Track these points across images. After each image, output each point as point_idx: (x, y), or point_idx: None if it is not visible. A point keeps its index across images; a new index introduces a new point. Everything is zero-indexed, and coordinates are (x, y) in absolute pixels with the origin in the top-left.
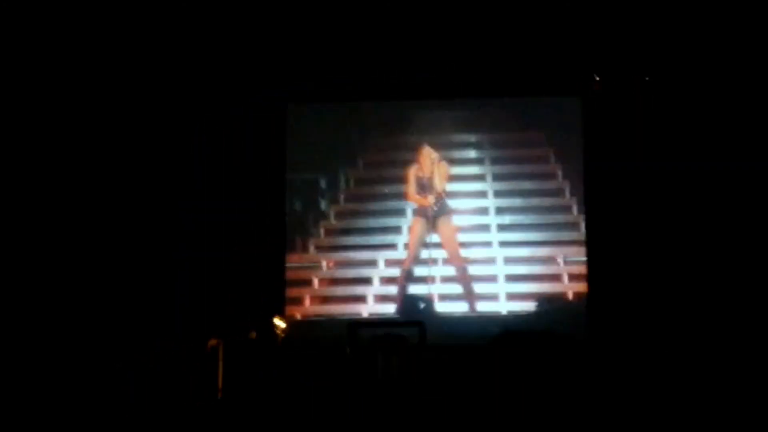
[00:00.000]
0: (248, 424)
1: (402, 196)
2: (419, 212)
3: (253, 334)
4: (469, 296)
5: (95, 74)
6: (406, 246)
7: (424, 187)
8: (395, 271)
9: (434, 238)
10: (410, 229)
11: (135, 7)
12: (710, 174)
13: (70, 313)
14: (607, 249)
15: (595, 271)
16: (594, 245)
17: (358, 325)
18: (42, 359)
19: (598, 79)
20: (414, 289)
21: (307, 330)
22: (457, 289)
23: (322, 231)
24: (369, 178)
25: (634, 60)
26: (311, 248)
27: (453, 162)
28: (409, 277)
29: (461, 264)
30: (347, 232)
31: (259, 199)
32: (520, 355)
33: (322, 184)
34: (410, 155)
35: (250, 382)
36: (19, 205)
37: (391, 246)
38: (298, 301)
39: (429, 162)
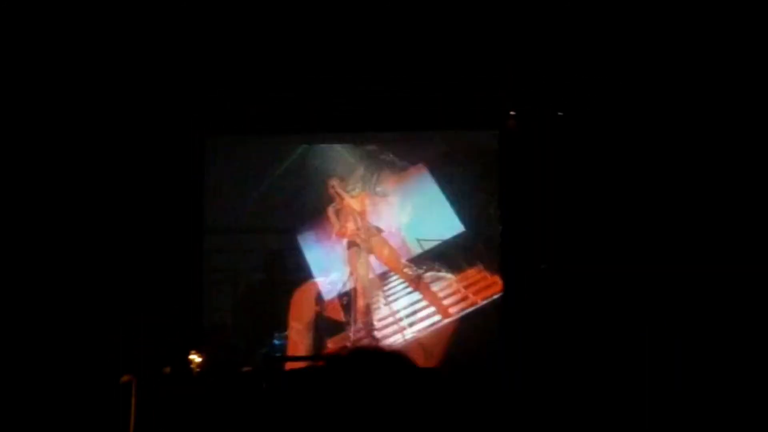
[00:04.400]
0: None
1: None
2: (349, 244)
3: (167, 369)
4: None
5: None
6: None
7: (344, 217)
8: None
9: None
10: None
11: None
12: (631, 204)
13: None
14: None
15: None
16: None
17: (274, 358)
18: None
19: (513, 114)
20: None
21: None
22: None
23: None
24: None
25: (547, 95)
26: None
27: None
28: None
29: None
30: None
31: (176, 231)
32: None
33: (246, 215)
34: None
35: (165, 419)
36: None
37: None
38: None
39: (339, 193)
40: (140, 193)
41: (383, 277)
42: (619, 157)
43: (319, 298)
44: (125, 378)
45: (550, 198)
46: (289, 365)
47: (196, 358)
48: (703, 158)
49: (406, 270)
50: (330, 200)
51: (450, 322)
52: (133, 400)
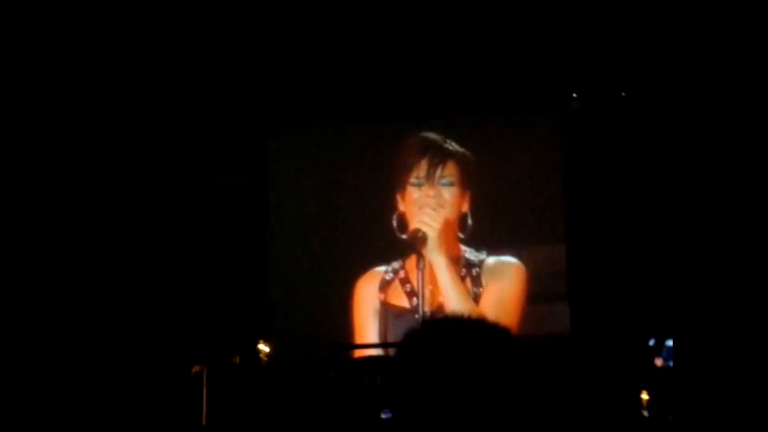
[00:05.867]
0: None
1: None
2: (414, 231)
3: (237, 359)
4: None
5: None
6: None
7: (408, 206)
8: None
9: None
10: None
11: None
12: (697, 191)
13: (49, 338)
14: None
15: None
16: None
17: (341, 347)
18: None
19: (575, 96)
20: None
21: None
22: None
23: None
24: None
25: (611, 76)
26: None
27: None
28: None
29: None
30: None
31: (240, 223)
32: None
33: (309, 207)
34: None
35: (235, 407)
36: None
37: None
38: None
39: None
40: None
41: (449, 263)
42: (684, 138)
43: (382, 285)
44: (196, 368)
45: (616, 181)
46: (357, 353)
47: (264, 347)
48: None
49: (468, 255)
50: (394, 190)
51: (516, 306)
52: (204, 390)
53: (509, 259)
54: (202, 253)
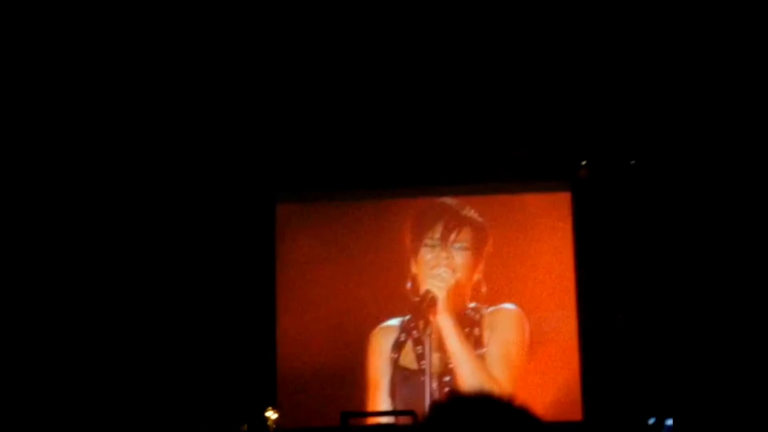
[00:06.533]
0: None
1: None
2: (426, 293)
3: (245, 427)
4: None
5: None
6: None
7: (420, 268)
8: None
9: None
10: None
11: None
12: (705, 255)
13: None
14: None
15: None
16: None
17: (351, 414)
18: None
19: (584, 164)
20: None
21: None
22: None
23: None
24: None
25: (619, 144)
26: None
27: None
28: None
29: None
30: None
31: (249, 291)
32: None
33: (318, 270)
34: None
35: None
36: None
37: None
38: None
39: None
40: (218, 258)
41: (456, 326)
42: (693, 206)
43: (395, 345)
44: None
45: (626, 247)
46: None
47: (272, 414)
48: None
49: (470, 314)
50: (408, 252)
51: (521, 356)
52: None
53: (506, 306)
54: (212, 323)
